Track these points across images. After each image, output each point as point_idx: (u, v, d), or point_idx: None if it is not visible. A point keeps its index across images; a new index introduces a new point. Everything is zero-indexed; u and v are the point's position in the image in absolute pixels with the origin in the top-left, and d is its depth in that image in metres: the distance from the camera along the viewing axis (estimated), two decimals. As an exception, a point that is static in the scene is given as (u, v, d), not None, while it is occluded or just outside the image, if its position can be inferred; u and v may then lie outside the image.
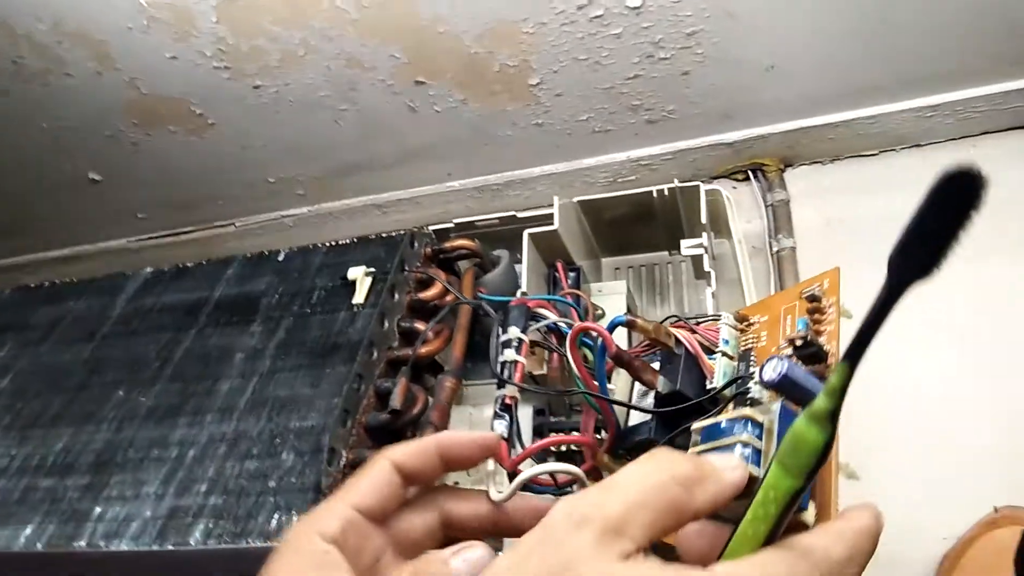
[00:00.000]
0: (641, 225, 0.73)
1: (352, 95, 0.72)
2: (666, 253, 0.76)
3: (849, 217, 0.76)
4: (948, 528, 0.63)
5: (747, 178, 0.80)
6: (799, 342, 0.38)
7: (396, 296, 0.68)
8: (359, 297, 0.69)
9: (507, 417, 0.40)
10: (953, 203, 0.22)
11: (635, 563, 0.24)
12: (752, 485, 0.27)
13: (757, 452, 0.29)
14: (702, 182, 0.80)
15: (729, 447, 0.29)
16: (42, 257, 1.00)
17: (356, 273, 0.70)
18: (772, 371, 0.28)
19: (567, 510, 0.26)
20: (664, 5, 0.62)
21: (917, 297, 0.67)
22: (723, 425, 0.30)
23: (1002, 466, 0.63)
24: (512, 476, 0.35)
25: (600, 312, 0.70)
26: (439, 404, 0.62)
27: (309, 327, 0.70)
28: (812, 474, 0.25)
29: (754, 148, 0.77)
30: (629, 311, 0.70)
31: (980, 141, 0.75)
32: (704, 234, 0.60)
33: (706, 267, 0.59)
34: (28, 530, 0.61)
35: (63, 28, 0.65)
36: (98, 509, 0.61)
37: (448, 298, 0.67)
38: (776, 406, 0.30)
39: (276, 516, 0.56)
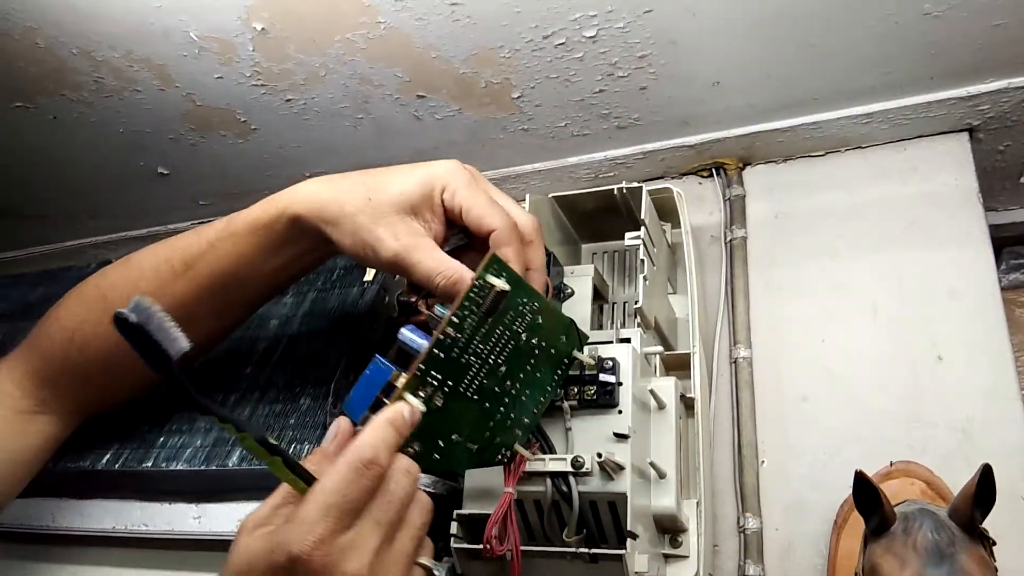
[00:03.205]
0: (611, 216, 0.85)
1: (366, 107, 0.86)
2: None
3: (795, 211, 0.87)
4: (851, 479, 0.74)
5: (711, 175, 0.92)
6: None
7: (396, 275, 0.83)
8: (369, 275, 0.84)
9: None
10: None
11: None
12: None
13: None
14: (673, 178, 0.92)
15: None
16: (123, 236, 1.18)
17: (367, 255, 0.84)
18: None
19: (271, 547, 0.42)
20: (615, 35, 0.73)
21: (845, 276, 0.81)
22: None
23: (900, 427, 0.74)
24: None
25: (570, 291, 0.82)
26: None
27: (329, 299, 0.85)
28: None
29: (713, 149, 0.89)
30: (596, 289, 0.82)
31: (912, 144, 0.84)
32: (643, 228, 0.72)
33: (640, 256, 0.71)
34: (108, 455, 0.79)
35: (133, 55, 0.81)
36: (161, 439, 0.78)
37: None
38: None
39: (293, 445, 0.72)
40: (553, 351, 0.59)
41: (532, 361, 0.58)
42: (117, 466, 0.77)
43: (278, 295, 0.85)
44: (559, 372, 0.61)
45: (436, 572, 0.47)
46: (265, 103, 0.87)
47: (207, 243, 0.64)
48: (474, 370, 0.55)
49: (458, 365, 0.53)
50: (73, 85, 0.86)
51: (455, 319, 0.52)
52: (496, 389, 0.56)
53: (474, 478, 0.66)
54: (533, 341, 0.57)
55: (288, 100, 0.86)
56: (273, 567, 0.40)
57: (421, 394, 0.51)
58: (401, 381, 0.51)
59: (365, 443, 0.45)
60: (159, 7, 0.75)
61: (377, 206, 0.55)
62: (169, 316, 0.41)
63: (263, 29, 0.76)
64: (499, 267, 0.53)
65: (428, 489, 0.65)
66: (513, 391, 0.58)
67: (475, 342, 0.54)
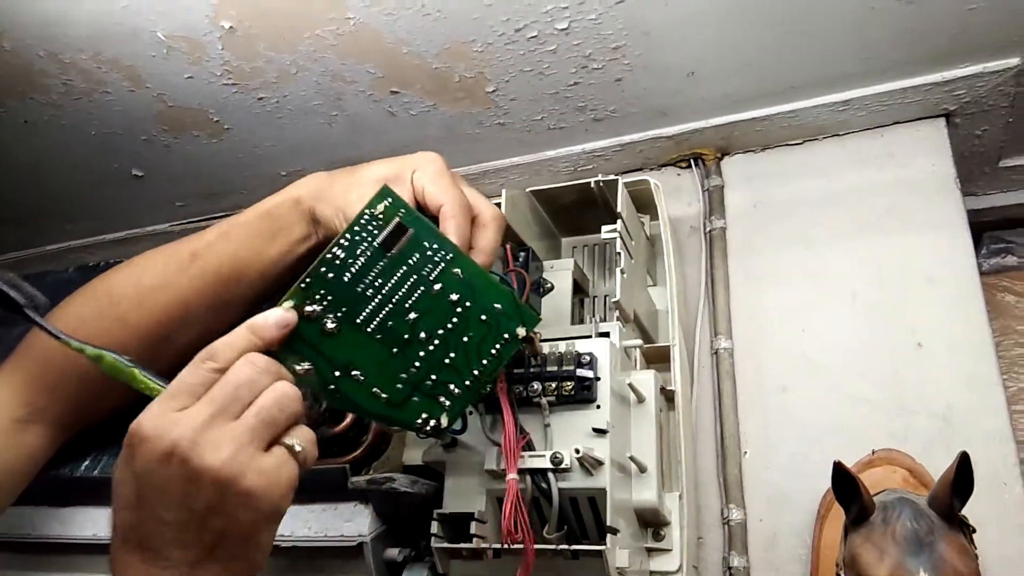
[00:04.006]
0: (589, 209, 0.84)
1: (340, 103, 0.85)
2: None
3: (773, 200, 0.86)
4: (835, 468, 0.74)
5: (689, 166, 0.91)
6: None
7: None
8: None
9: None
10: None
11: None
12: None
13: None
14: (652, 170, 0.92)
15: None
16: (99, 240, 1.17)
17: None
18: None
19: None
20: (588, 26, 0.73)
21: (825, 264, 0.81)
22: None
23: (882, 416, 0.74)
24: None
25: (549, 286, 0.82)
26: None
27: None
28: None
29: (691, 140, 0.88)
30: (577, 283, 0.82)
31: (889, 131, 0.84)
32: (619, 221, 0.72)
33: (617, 248, 0.70)
34: (87, 460, 0.78)
35: (101, 57, 0.79)
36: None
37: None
38: None
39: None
40: (485, 317, 0.58)
41: (455, 320, 0.57)
42: (97, 472, 0.76)
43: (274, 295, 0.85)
44: (499, 346, 0.59)
45: (297, 447, 0.48)
46: (237, 102, 0.86)
47: (216, 234, 0.67)
48: (373, 304, 0.54)
49: (352, 293, 0.53)
50: (42, 88, 0.84)
51: (344, 241, 0.52)
52: (405, 336, 0.55)
53: (454, 477, 0.66)
54: (453, 297, 0.56)
55: (260, 99, 0.85)
56: (124, 447, 0.46)
57: (309, 308, 0.52)
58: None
59: (215, 343, 0.49)
60: (125, 7, 0.73)
61: (356, 178, 0.62)
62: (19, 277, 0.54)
63: (231, 27, 0.75)
64: (395, 202, 0.53)
65: (406, 489, 0.64)
66: (431, 346, 0.56)
67: (372, 274, 0.53)
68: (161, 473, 0.44)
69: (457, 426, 0.65)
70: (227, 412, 0.46)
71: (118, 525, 0.47)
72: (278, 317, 0.51)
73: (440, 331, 0.57)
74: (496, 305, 0.58)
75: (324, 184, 0.64)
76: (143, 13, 0.74)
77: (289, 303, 0.52)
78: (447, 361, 0.57)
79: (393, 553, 0.66)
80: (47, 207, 1.10)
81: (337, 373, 0.54)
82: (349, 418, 0.70)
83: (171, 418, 0.45)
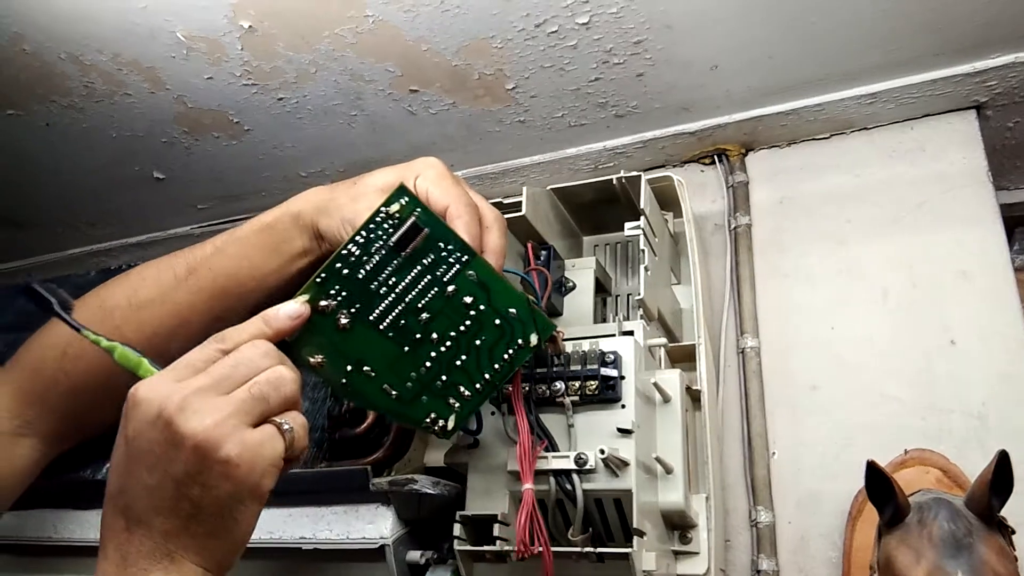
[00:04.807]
0: (611, 207, 0.83)
1: (359, 103, 0.84)
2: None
3: (800, 195, 0.85)
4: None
5: (713, 162, 0.90)
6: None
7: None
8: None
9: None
10: None
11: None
12: None
13: None
14: (674, 167, 0.90)
15: None
16: (122, 243, 1.17)
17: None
18: None
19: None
20: (609, 20, 0.72)
21: (854, 261, 0.80)
22: None
23: (913, 414, 0.72)
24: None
25: (571, 284, 0.81)
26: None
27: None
28: None
29: (715, 136, 0.87)
30: (599, 282, 0.81)
31: (919, 124, 0.82)
32: (643, 217, 0.70)
33: (640, 245, 0.69)
34: (108, 464, 0.78)
35: (120, 58, 0.80)
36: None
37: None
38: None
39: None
40: (499, 322, 0.57)
41: (468, 322, 0.56)
42: (117, 475, 0.76)
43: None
44: (511, 351, 0.58)
45: (285, 426, 0.48)
46: (257, 103, 0.85)
47: (213, 248, 0.67)
48: (386, 303, 0.54)
49: (366, 290, 0.53)
50: (63, 91, 0.85)
51: (359, 238, 0.53)
52: (417, 335, 0.55)
53: (477, 478, 0.65)
54: (467, 299, 0.55)
55: (280, 99, 0.85)
56: (122, 413, 0.48)
57: (323, 303, 0.53)
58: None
59: (227, 329, 0.51)
60: (144, 8, 0.73)
61: (360, 188, 0.62)
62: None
63: (250, 27, 0.75)
64: (411, 202, 0.53)
65: (428, 490, 0.64)
66: (443, 347, 0.56)
67: (386, 273, 0.53)
68: (146, 435, 0.46)
69: (472, 426, 0.64)
70: (220, 386, 0.47)
71: (109, 489, 0.48)
72: (291, 308, 0.52)
73: (453, 333, 0.56)
74: (511, 310, 0.57)
75: (326, 197, 0.63)
76: (162, 14, 0.74)
77: (304, 297, 0.53)
78: (458, 363, 0.57)
79: (415, 556, 0.65)
80: (70, 212, 1.11)
81: (349, 367, 0.55)
82: (370, 419, 0.70)
83: (166, 386, 0.47)
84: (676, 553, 0.66)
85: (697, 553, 0.66)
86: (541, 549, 0.57)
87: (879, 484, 0.55)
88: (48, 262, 1.22)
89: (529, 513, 0.57)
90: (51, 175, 1.02)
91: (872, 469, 0.55)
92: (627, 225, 0.71)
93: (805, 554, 0.71)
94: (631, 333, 0.67)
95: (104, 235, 1.17)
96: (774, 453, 0.75)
